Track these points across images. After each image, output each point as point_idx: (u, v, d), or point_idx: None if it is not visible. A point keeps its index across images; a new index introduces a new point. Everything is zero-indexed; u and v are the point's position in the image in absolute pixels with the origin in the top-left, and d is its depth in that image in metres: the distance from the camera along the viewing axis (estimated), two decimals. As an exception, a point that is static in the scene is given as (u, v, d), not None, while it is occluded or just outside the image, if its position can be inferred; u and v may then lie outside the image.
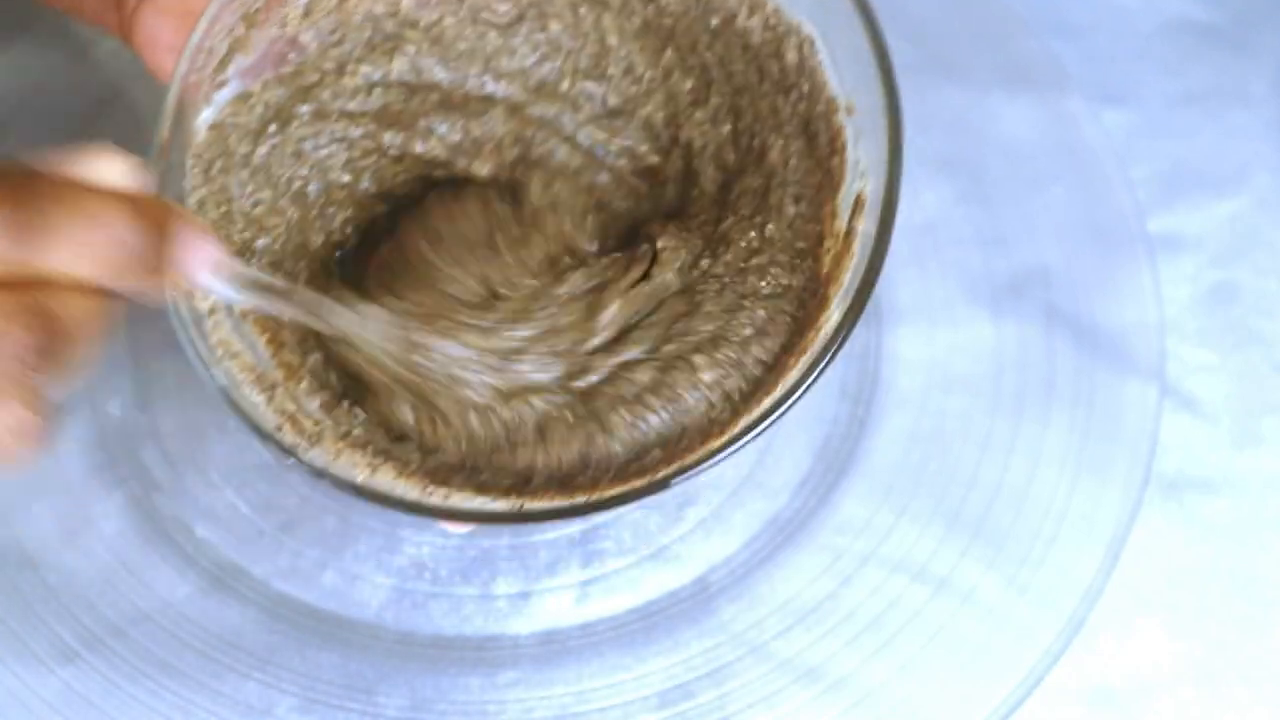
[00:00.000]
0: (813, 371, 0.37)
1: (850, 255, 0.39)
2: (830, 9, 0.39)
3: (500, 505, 0.38)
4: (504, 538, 0.49)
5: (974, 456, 0.48)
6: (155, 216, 0.32)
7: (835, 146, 0.41)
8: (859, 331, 0.50)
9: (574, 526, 0.49)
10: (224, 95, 0.41)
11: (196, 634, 0.47)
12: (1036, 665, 0.46)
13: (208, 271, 0.33)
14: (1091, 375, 0.49)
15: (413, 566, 0.49)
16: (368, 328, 0.39)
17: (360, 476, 0.38)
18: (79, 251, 0.30)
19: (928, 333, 0.50)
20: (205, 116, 0.41)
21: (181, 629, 0.47)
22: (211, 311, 0.39)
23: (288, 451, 0.37)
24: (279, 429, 0.38)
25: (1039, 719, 0.46)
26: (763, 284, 0.41)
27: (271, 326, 0.41)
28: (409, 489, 0.39)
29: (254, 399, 0.39)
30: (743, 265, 0.41)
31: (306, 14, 0.43)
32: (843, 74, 0.41)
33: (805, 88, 0.41)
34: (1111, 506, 0.47)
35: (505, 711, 0.46)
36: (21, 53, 0.52)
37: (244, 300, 0.36)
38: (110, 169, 0.32)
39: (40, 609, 0.48)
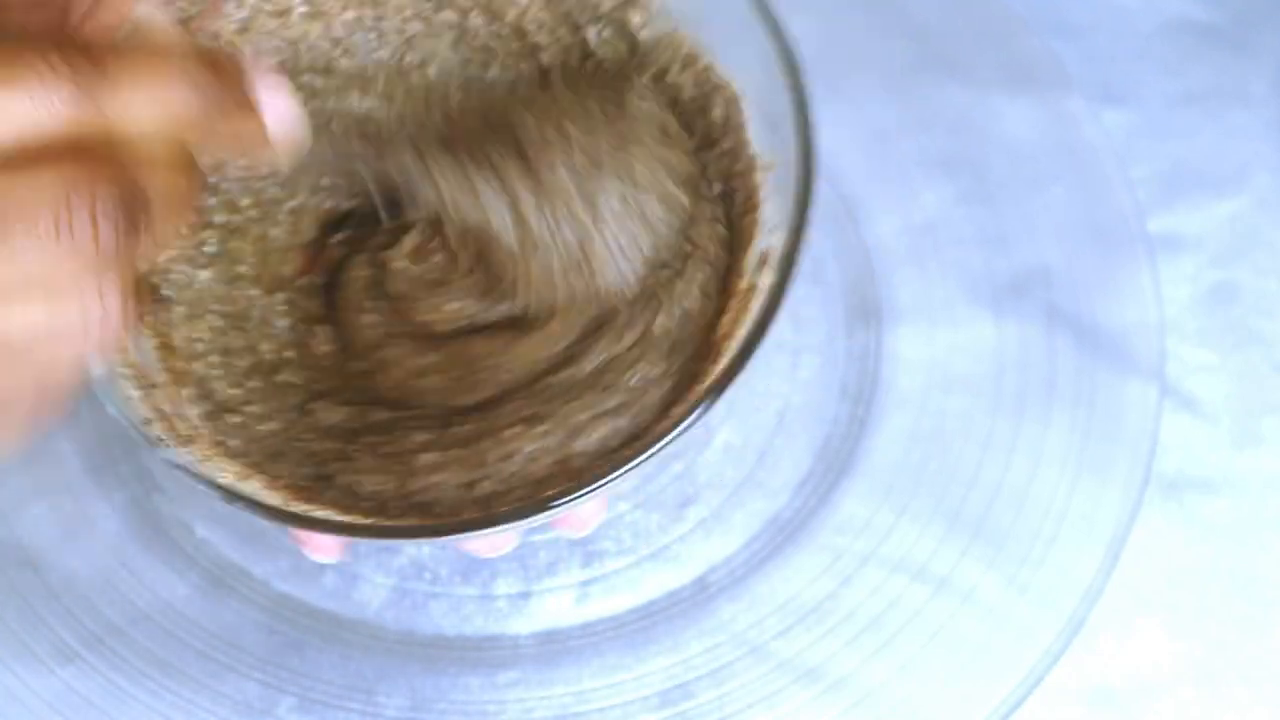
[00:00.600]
0: (690, 414, 0.36)
1: (747, 313, 0.39)
2: (757, 65, 0.39)
3: (351, 519, 0.38)
4: (504, 538, 0.49)
5: (974, 456, 0.48)
6: (221, 59, 0.29)
7: (750, 205, 0.40)
8: (859, 331, 0.51)
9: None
10: None
11: (196, 634, 0.47)
12: (1036, 665, 0.46)
13: (286, 127, 0.30)
14: (1092, 375, 0.49)
15: (413, 566, 0.49)
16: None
17: (222, 478, 0.38)
18: (154, 95, 0.28)
19: (928, 332, 0.50)
20: None
21: (181, 629, 0.47)
22: None
23: (150, 442, 0.37)
24: (147, 423, 0.38)
25: (1039, 719, 0.46)
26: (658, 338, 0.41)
27: (163, 332, 0.41)
28: (271, 498, 0.38)
29: (129, 393, 0.38)
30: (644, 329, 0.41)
31: (243, 30, 0.43)
32: (764, 131, 0.40)
33: (727, 145, 0.41)
34: (1111, 506, 0.47)
35: (505, 711, 0.46)
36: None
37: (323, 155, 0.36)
38: (152, 12, 0.30)
39: (40, 609, 0.48)
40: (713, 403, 0.36)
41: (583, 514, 0.43)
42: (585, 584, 0.48)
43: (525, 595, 0.48)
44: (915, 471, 0.48)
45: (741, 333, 0.38)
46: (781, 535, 0.48)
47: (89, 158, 0.27)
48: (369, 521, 0.38)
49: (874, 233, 0.52)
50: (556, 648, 0.47)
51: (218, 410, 0.41)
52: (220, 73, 0.29)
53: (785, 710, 0.46)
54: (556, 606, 0.48)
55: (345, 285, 0.43)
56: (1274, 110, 0.54)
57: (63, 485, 0.49)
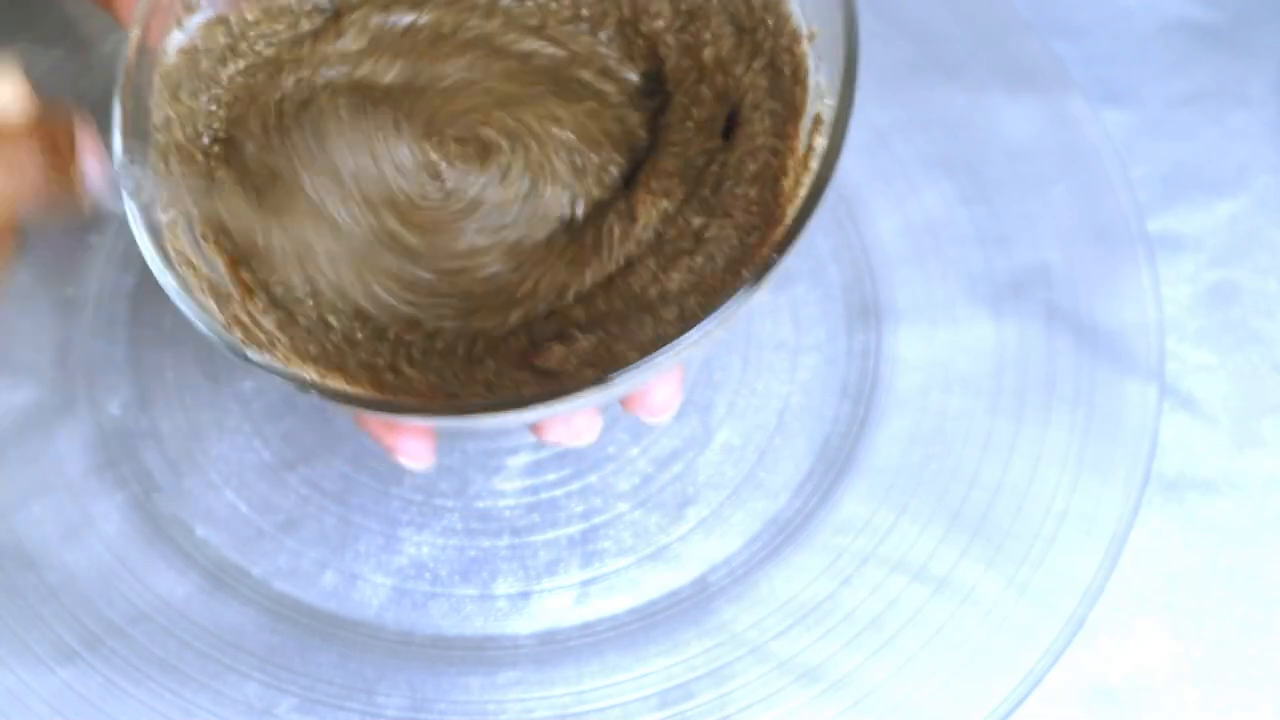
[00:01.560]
0: (764, 273, 0.37)
1: (808, 172, 0.40)
2: None
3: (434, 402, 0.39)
4: (504, 538, 0.49)
5: (974, 456, 0.48)
6: (58, 138, 0.31)
7: (798, 76, 0.41)
8: (859, 331, 0.51)
9: (573, 526, 0.49)
10: (196, 20, 0.41)
11: (196, 634, 0.47)
12: (1036, 665, 0.46)
13: (100, 181, 0.33)
14: (1091, 375, 0.49)
15: (413, 566, 0.49)
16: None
17: (309, 376, 0.39)
18: None
19: (928, 332, 0.50)
20: (175, 39, 0.41)
21: (181, 629, 0.47)
22: (171, 225, 0.39)
23: (234, 349, 0.37)
24: (228, 328, 0.38)
25: (1039, 719, 0.46)
26: (731, 212, 0.41)
27: (228, 248, 0.41)
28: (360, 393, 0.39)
29: (207, 303, 0.39)
30: (710, 197, 0.41)
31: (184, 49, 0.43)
32: (805, 2, 0.41)
33: (770, 22, 0.42)
34: (1111, 506, 0.47)
35: (505, 711, 0.46)
36: (22, 51, 0.52)
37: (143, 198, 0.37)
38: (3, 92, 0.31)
39: (40, 609, 0.48)
40: (778, 261, 0.37)
41: (659, 396, 0.43)
42: (585, 584, 0.48)
43: (525, 595, 0.48)
44: (915, 471, 0.48)
45: (801, 193, 0.39)
46: (781, 535, 0.48)
47: None
48: (452, 401, 0.38)
49: (874, 233, 0.52)
50: (556, 648, 0.47)
51: (290, 318, 0.41)
52: (55, 154, 0.31)
53: (785, 710, 0.46)
54: (556, 606, 0.48)
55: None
56: (1274, 111, 0.54)
57: (63, 485, 0.49)
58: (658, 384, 0.42)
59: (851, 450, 0.49)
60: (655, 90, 0.44)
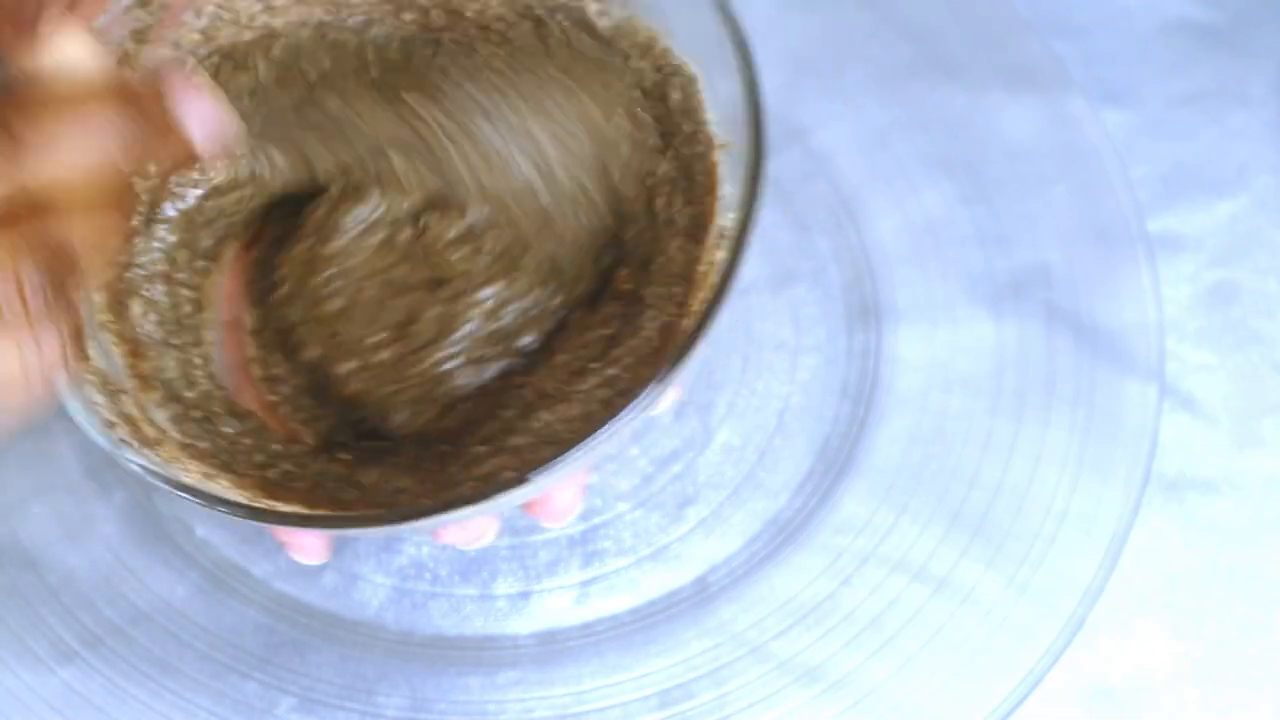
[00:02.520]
0: (650, 383, 0.36)
1: (707, 286, 0.39)
2: (710, 44, 0.39)
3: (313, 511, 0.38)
4: (504, 538, 0.49)
5: (974, 456, 0.48)
6: (139, 92, 0.30)
7: (709, 184, 0.41)
8: (859, 331, 0.51)
9: (573, 526, 0.49)
10: None
11: (196, 634, 0.47)
12: (1036, 665, 0.46)
13: (214, 136, 0.31)
14: (1091, 375, 0.49)
15: (413, 566, 0.49)
16: None
17: (186, 478, 0.38)
18: (74, 151, 0.28)
19: (928, 332, 0.50)
20: None
21: (181, 629, 0.47)
22: None
23: (114, 445, 0.37)
24: (110, 426, 0.38)
25: (1039, 719, 0.46)
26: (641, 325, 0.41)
27: (130, 339, 0.41)
28: (239, 496, 0.39)
29: (95, 399, 0.39)
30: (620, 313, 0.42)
31: (207, 39, 0.43)
32: (721, 110, 0.40)
33: (687, 128, 0.42)
34: (1111, 506, 0.47)
35: (505, 711, 0.46)
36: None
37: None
38: (74, 50, 0.30)
39: (40, 609, 0.48)
40: (660, 386, 0.36)
41: (560, 503, 0.43)
42: (585, 584, 0.48)
43: (525, 595, 0.48)
44: (915, 471, 0.48)
45: (699, 307, 0.38)
46: (781, 535, 0.48)
47: (11, 226, 0.28)
48: (328, 512, 0.38)
49: (874, 233, 0.52)
50: (556, 648, 0.47)
51: (185, 412, 0.41)
52: (140, 107, 0.29)
53: (785, 710, 0.46)
54: (556, 606, 0.48)
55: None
56: (1273, 111, 0.54)
57: (63, 485, 0.49)
58: (561, 488, 0.42)
59: (851, 450, 0.49)
60: None
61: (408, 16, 0.44)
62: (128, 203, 0.30)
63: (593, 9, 0.42)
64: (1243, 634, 0.48)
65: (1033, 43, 0.53)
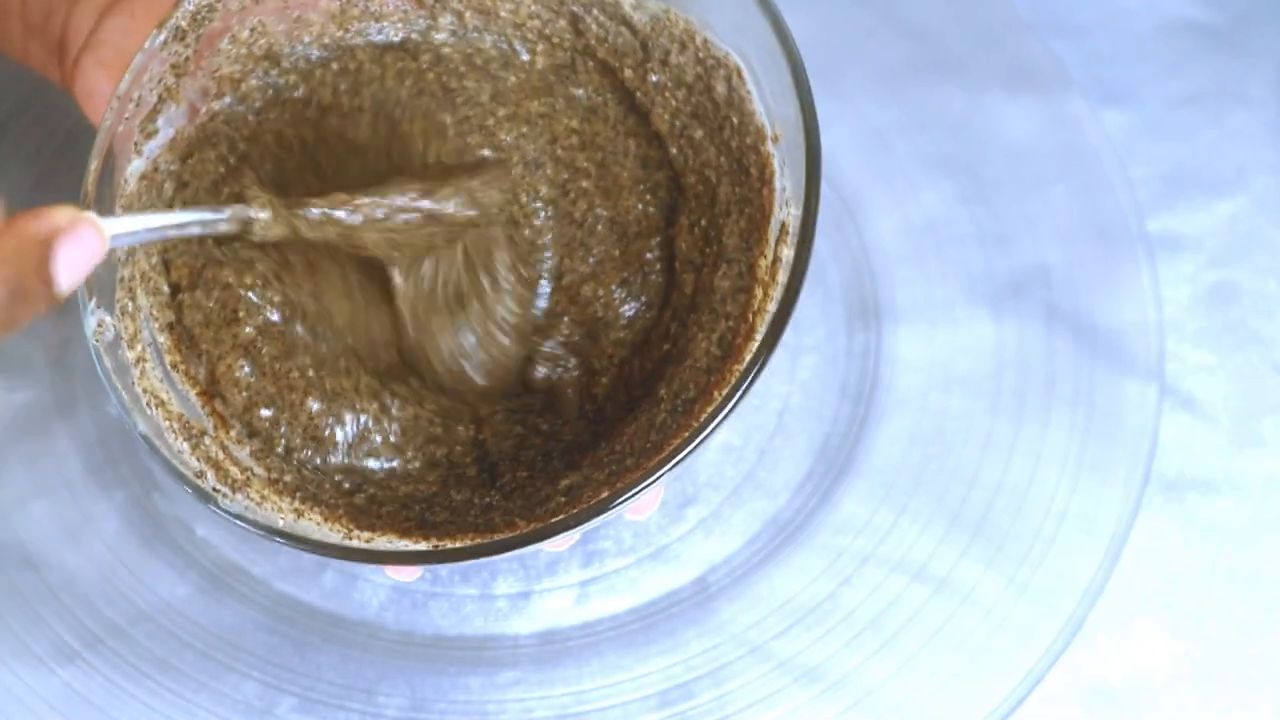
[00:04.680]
0: (730, 399, 0.36)
1: (775, 284, 0.39)
2: (751, 35, 0.39)
3: (420, 546, 0.38)
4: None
5: (974, 456, 0.48)
6: (26, 259, 0.31)
7: (765, 177, 0.40)
8: (859, 331, 0.51)
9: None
10: (154, 145, 0.41)
11: (196, 634, 0.47)
12: (1036, 665, 0.46)
13: (87, 266, 0.33)
14: (1091, 375, 0.49)
15: (413, 566, 0.49)
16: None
17: (281, 522, 0.39)
18: None
19: (928, 333, 0.50)
20: (135, 166, 0.41)
21: (181, 629, 0.47)
22: (139, 360, 0.40)
23: (205, 497, 0.38)
24: (200, 475, 0.39)
25: (1039, 719, 0.46)
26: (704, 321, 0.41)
27: (198, 379, 0.41)
28: (331, 534, 0.39)
29: (178, 446, 0.39)
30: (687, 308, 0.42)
31: (241, 74, 0.43)
32: (768, 102, 0.40)
33: (735, 120, 0.41)
34: (1111, 506, 0.47)
35: (505, 711, 0.46)
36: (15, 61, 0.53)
37: (160, 236, 0.37)
38: None
39: (40, 609, 0.48)
40: (753, 379, 0.36)
41: (645, 500, 0.44)
42: (585, 584, 0.48)
43: (525, 595, 0.48)
44: (915, 471, 0.48)
45: (771, 307, 0.38)
46: (781, 535, 0.48)
47: None
48: (429, 547, 0.38)
49: (874, 233, 0.52)
50: (556, 648, 0.47)
51: (267, 448, 0.41)
52: (26, 267, 0.31)
53: (785, 710, 0.46)
54: (556, 606, 0.48)
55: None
56: (1273, 111, 0.54)
57: (63, 485, 0.49)
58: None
59: (851, 450, 0.49)
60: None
61: (443, 20, 0.44)
62: None
63: (628, 2, 0.42)
64: (1243, 634, 0.48)
65: (1033, 43, 0.53)
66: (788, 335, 0.50)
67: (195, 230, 0.37)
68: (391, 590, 0.48)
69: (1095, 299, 0.50)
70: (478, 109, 0.44)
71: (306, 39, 0.44)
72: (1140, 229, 0.51)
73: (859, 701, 0.46)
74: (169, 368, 0.41)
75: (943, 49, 0.54)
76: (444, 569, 0.48)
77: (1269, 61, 0.55)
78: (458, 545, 0.38)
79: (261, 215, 0.38)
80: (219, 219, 0.38)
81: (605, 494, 0.37)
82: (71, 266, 0.32)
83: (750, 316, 0.39)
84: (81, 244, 0.32)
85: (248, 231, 0.38)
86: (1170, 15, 0.56)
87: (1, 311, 0.31)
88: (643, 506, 0.45)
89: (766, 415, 0.50)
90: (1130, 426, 0.48)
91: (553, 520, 0.37)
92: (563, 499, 0.39)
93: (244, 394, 0.41)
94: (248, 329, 0.42)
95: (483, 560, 0.48)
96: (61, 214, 0.32)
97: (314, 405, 0.41)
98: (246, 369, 0.41)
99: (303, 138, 0.43)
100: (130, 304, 0.40)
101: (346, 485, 0.41)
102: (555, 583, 0.48)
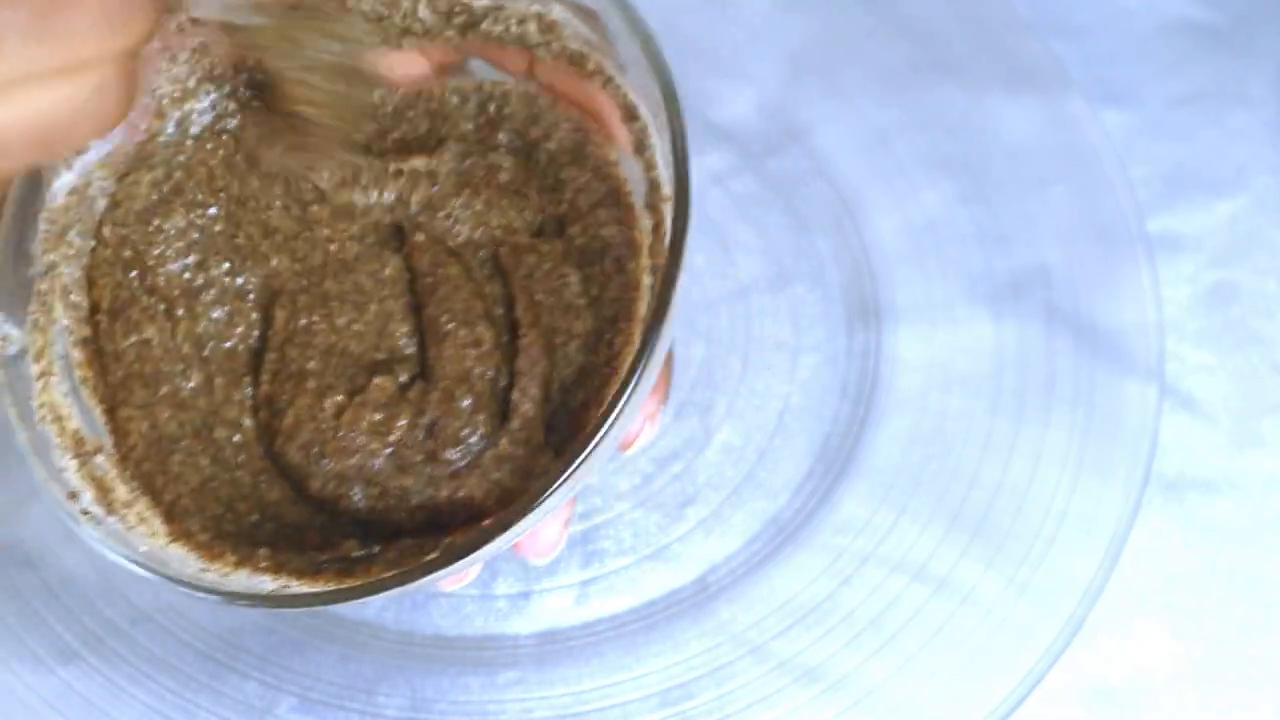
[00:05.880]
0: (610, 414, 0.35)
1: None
2: (650, 91, 0.38)
3: (303, 588, 0.37)
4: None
5: (974, 456, 0.48)
6: None
7: (659, 233, 0.40)
8: (858, 331, 0.51)
9: (573, 526, 0.49)
10: (87, 159, 0.41)
11: (196, 634, 0.47)
12: (1036, 665, 0.46)
13: None
14: (1091, 375, 0.49)
15: (413, 566, 0.49)
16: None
17: (144, 547, 0.38)
18: None
19: (928, 332, 0.50)
20: (65, 180, 0.40)
21: (181, 629, 0.47)
22: (43, 374, 0.40)
23: (71, 517, 0.38)
24: (72, 496, 0.38)
25: (1039, 719, 0.46)
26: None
27: (102, 393, 0.41)
28: (195, 564, 0.38)
29: (62, 463, 0.39)
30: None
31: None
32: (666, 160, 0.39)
33: (649, 174, 0.41)
34: (1112, 506, 0.47)
35: (505, 711, 0.46)
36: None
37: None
38: None
39: (40, 609, 0.48)
40: (615, 421, 0.35)
41: (544, 540, 0.43)
42: (585, 584, 0.48)
43: (525, 595, 0.48)
44: (915, 471, 0.48)
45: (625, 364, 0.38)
46: (781, 535, 0.48)
47: None
48: (295, 590, 0.37)
49: (874, 233, 0.52)
50: (556, 648, 0.47)
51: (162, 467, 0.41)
52: None
53: (785, 710, 0.46)
54: (556, 606, 0.48)
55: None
56: (1273, 111, 0.54)
57: (63, 485, 0.49)
58: (544, 526, 0.42)
59: (851, 450, 0.49)
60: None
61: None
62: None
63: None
64: (1243, 634, 0.48)
65: (1033, 43, 0.53)
66: (787, 334, 0.51)
67: None
68: (391, 590, 0.48)
69: (1095, 299, 0.50)
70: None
71: (249, 63, 0.43)
72: (1140, 229, 0.51)
73: (859, 701, 0.46)
74: (77, 382, 0.41)
75: (943, 49, 0.54)
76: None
77: (1269, 61, 0.55)
78: (312, 590, 0.37)
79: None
80: None
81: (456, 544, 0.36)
82: None
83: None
84: None
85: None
86: (1170, 15, 0.56)
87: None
88: (546, 546, 0.44)
89: (766, 415, 0.50)
90: (1130, 426, 0.48)
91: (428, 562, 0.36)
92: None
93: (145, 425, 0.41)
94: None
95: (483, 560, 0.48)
96: None
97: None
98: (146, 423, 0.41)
99: (229, 188, 0.43)
100: (43, 318, 0.40)
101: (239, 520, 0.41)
102: (555, 583, 0.48)
